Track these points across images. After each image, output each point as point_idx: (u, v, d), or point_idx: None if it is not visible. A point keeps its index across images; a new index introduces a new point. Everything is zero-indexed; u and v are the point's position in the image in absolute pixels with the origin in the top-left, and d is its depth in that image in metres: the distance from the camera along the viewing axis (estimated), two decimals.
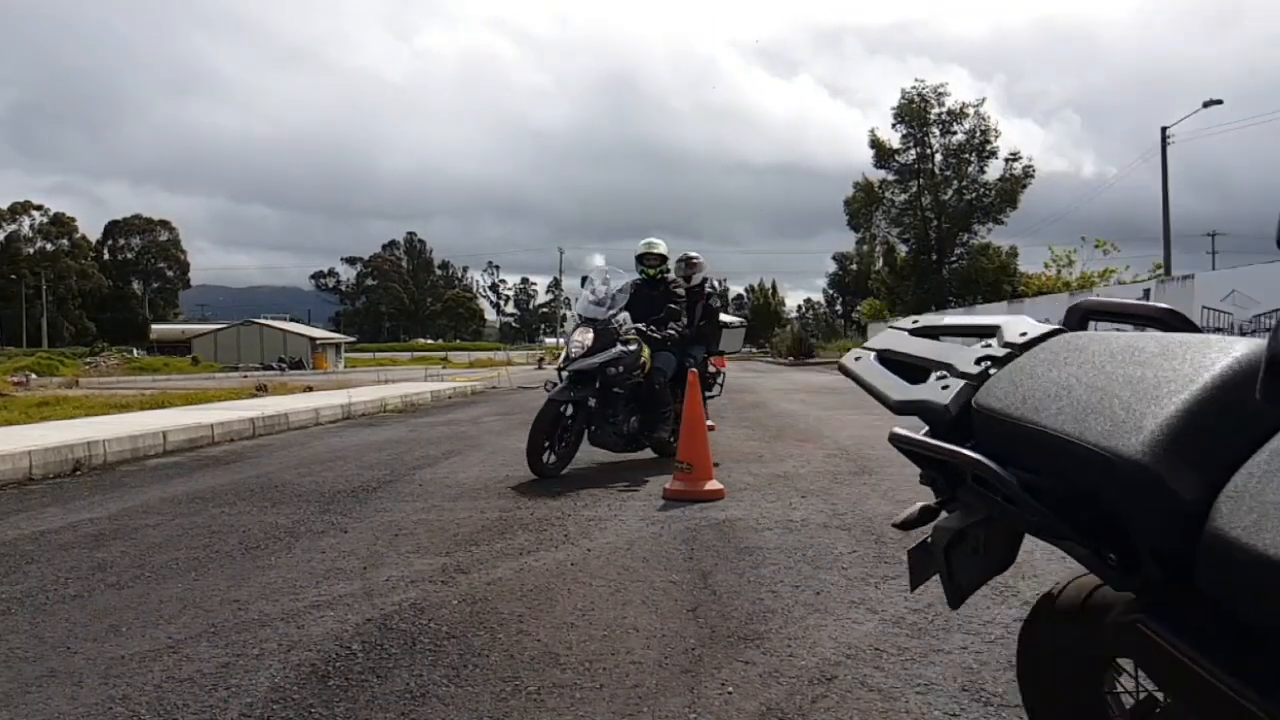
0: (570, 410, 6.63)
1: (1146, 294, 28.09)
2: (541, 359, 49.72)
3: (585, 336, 6.65)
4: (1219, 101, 31.69)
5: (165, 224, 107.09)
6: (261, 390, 17.37)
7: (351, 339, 69.98)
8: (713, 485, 5.64)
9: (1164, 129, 33.92)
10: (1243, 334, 23.64)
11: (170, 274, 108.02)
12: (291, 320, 74.71)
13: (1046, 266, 48.24)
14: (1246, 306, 23.28)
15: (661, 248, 7.81)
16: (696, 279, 8.65)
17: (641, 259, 7.82)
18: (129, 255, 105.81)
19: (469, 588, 3.66)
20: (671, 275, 8.04)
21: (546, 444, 6.48)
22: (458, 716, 2.41)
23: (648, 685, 2.61)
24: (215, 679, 2.67)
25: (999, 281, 48.61)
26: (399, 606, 3.40)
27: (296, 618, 3.27)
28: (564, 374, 6.70)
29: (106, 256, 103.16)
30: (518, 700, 2.51)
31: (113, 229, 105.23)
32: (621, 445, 7.00)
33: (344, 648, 2.94)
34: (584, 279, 7.48)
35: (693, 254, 8.96)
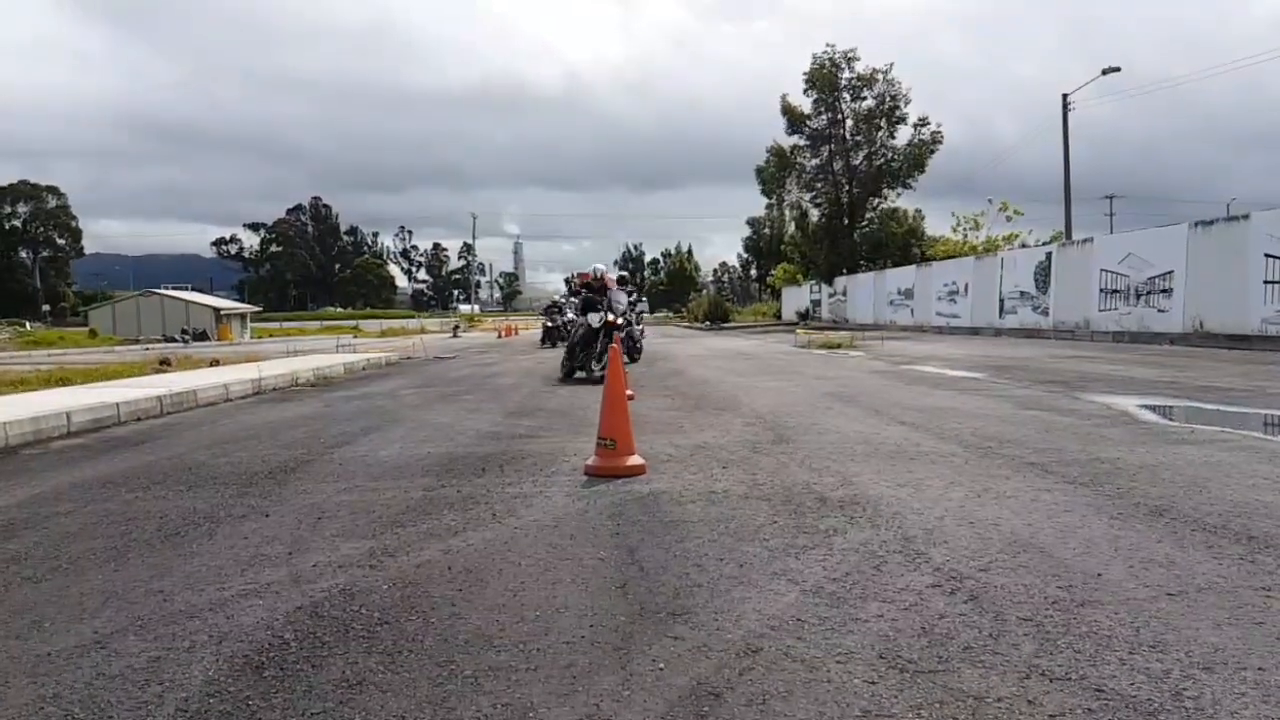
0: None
1: (1049, 258, 29.14)
2: (456, 327, 49.09)
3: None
4: (1117, 69, 32.87)
5: (53, 190, 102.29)
6: (165, 365, 16.79)
7: (257, 308, 67.77)
8: (634, 461, 5.71)
9: (1065, 95, 35.09)
10: (1139, 296, 24.81)
11: (61, 241, 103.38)
12: (193, 290, 72.16)
13: (954, 230, 49.66)
14: (1141, 269, 24.37)
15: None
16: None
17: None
18: (15, 223, 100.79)
19: (398, 571, 3.68)
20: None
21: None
22: (395, 703, 2.45)
23: (581, 664, 2.68)
24: (147, 674, 2.66)
25: (908, 245, 49.82)
26: (328, 593, 3.40)
27: (224, 608, 3.25)
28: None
29: None
30: (455, 684, 2.56)
31: None
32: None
33: (276, 637, 2.94)
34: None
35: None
